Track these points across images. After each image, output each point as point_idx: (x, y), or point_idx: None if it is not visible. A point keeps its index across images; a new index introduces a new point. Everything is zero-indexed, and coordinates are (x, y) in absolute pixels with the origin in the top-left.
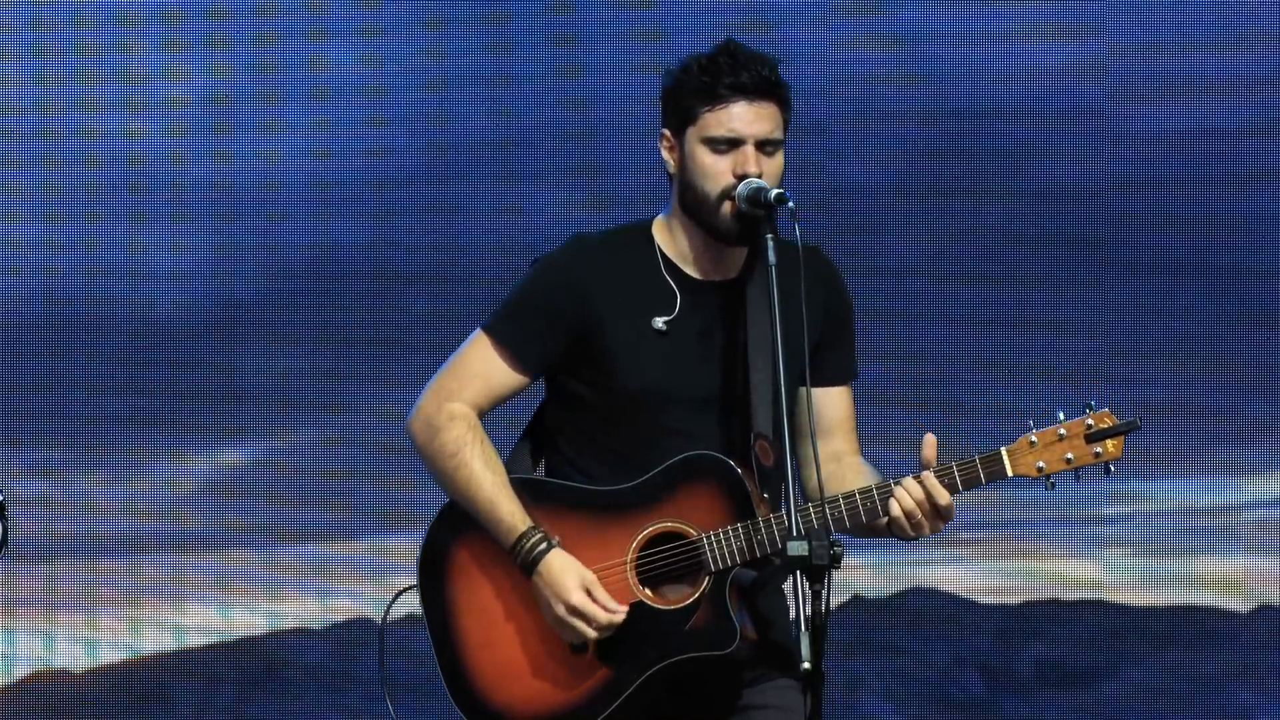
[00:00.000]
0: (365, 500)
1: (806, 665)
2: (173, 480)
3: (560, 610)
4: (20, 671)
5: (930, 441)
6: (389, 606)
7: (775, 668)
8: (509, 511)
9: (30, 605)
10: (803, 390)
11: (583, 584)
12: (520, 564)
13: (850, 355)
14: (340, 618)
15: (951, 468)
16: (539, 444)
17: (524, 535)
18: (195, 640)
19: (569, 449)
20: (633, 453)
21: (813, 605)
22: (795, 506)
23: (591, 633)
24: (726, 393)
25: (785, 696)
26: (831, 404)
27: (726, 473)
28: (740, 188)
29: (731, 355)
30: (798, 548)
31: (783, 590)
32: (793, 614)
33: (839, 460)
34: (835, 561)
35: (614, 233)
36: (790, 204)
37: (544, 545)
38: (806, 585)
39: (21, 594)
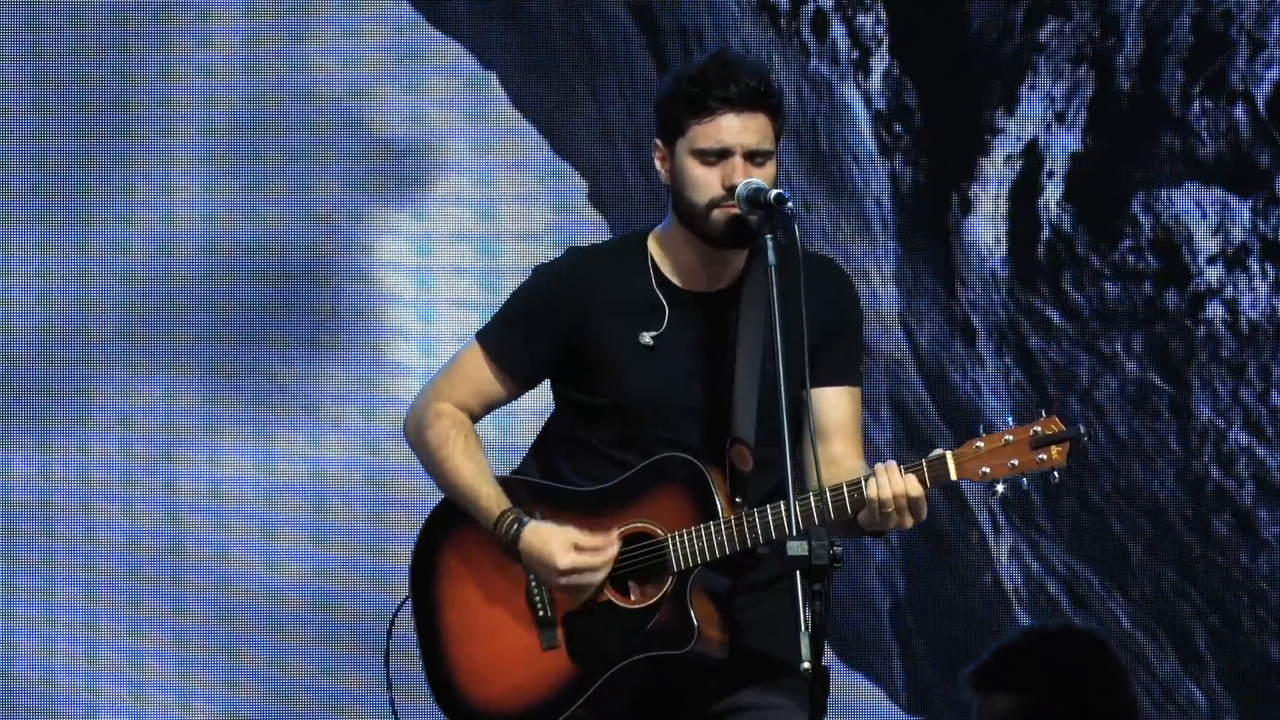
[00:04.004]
0: None
1: (806, 665)
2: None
3: (557, 579)
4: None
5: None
6: (393, 616)
7: (753, 674)
8: (487, 495)
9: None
10: (807, 394)
11: (567, 544)
12: (503, 548)
13: (849, 360)
14: None
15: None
16: (547, 451)
17: (500, 518)
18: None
19: (571, 455)
20: (623, 462)
21: (813, 605)
22: (794, 506)
23: (597, 579)
24: (713, 403)
25: (764, 697)
26: (829, 406)
27: (693, 474)
28: (740, 188)
29: (719, 365)
30: (797, 548)
31: (769, 599)
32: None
33: (836, 464)
34: (835, 561)
35: (609, 245)
36: (789, 205)
37: (518, 524)
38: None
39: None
